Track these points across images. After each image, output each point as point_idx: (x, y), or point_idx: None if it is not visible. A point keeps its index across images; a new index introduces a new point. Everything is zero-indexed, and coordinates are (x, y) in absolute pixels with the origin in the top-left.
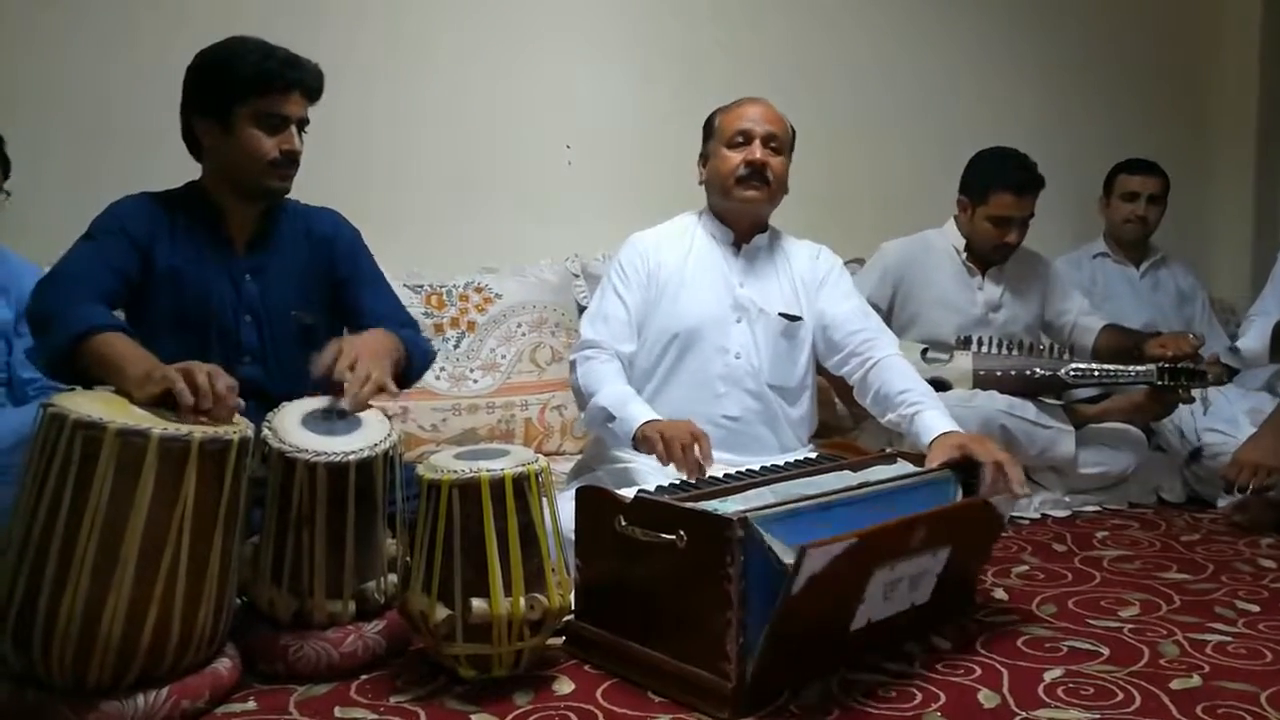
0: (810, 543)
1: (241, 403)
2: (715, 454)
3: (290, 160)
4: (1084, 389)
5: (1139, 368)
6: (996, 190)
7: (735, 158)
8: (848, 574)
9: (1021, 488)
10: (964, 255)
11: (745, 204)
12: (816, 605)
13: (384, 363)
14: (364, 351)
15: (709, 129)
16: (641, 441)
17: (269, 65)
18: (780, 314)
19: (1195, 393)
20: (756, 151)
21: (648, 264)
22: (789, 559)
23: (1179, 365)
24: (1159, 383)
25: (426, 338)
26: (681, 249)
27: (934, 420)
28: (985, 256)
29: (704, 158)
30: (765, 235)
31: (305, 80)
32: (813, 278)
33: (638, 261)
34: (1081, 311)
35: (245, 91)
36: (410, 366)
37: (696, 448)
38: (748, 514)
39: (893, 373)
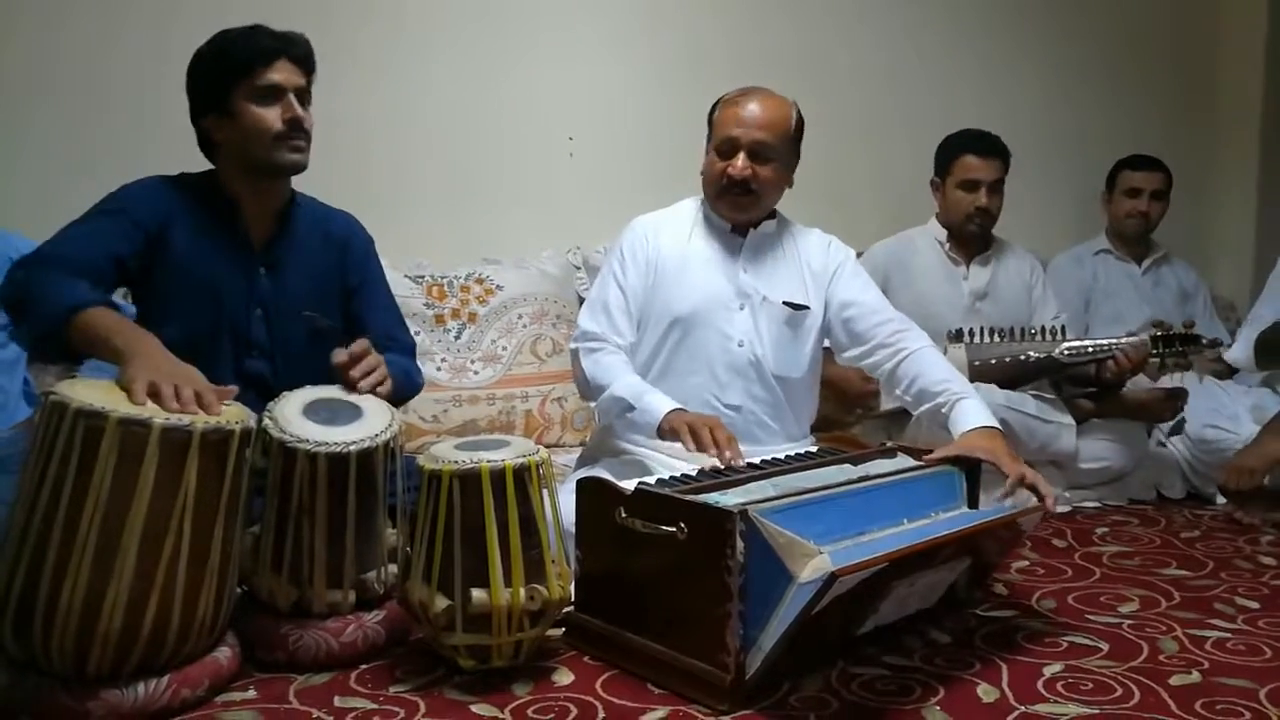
0: (840, 568)
1: (235, 389)
2: None
3: (296, 128)
4: (1079, 366)
5: (1133, 338)
6: (959, 156)
7: (719, 166)
8: (868, 590)
9: (1052, 508)
10: (947, 246)
11: (727, 215)
12: (829, 617)
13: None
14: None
15: (710, 118)
16: (668, 432)
17: (252, 40)
18: (785, 302)
19: (1192, 358)
20: (738, 164)
21: (648, 248)
22: (801, 562)
23: (1172, 332)
24: (1154, 351)
25: (419, 369)
26: (682, 233)
27: (972, 409)
28: (966, 235)
29: (706, 148)
30: (773, 222)
31: (290, 48)
32: (824, 268)
33: (638, 246)
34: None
35: (237, 73)
36: (394, 396)
37: (725, 436)
38: (748, 506)
39: (930, 365)
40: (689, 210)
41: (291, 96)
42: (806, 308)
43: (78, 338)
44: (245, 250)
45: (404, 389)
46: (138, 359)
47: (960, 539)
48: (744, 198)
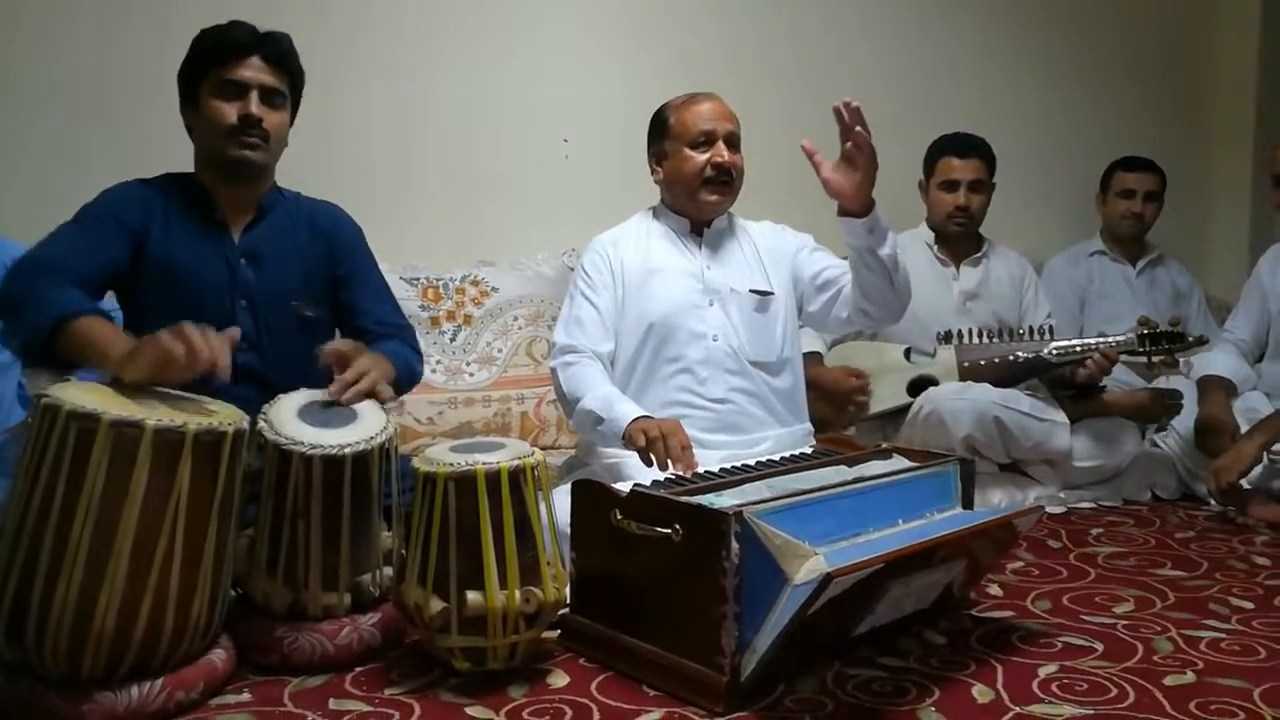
0: (836, 569)
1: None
2: (712, 437)
3: (249, 124)
4: (1068, 366)
5: (1119, 337)
6: (941, 156)
7: (700, 159)
8: (863, 589)
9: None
10: (935, 248)
11: (712, 205)
12: (825, 617)
13: (380, 373)
14: (365, 357)
15: (661, 127)
16: (628, 440)
17: (228, 34)
18: (751, 290)
19: (1180, 357)
20: (724, 153)
21: (609, 263)
22: (796, 566)
23: (1159, 330)
24: (1140, 349)
25: (419, 355)
26: (640, 243)
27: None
28: (949, 235)
29: (657, 156)
30: (724, 219)
31: (265, 46)
32: (781, 250)
33: (600, 263)
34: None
35: (206, 64)
36: (396, 385)
37: (679, 447)
38: (743, 508)
39: None
40: (641, 222)
41: (254, 94)
42: (771, 293)
43: (67, 346)
44: (224, 242)
45: (404, 380)
46: (145, 339)
47: (956, 540)
48: (728, 186)
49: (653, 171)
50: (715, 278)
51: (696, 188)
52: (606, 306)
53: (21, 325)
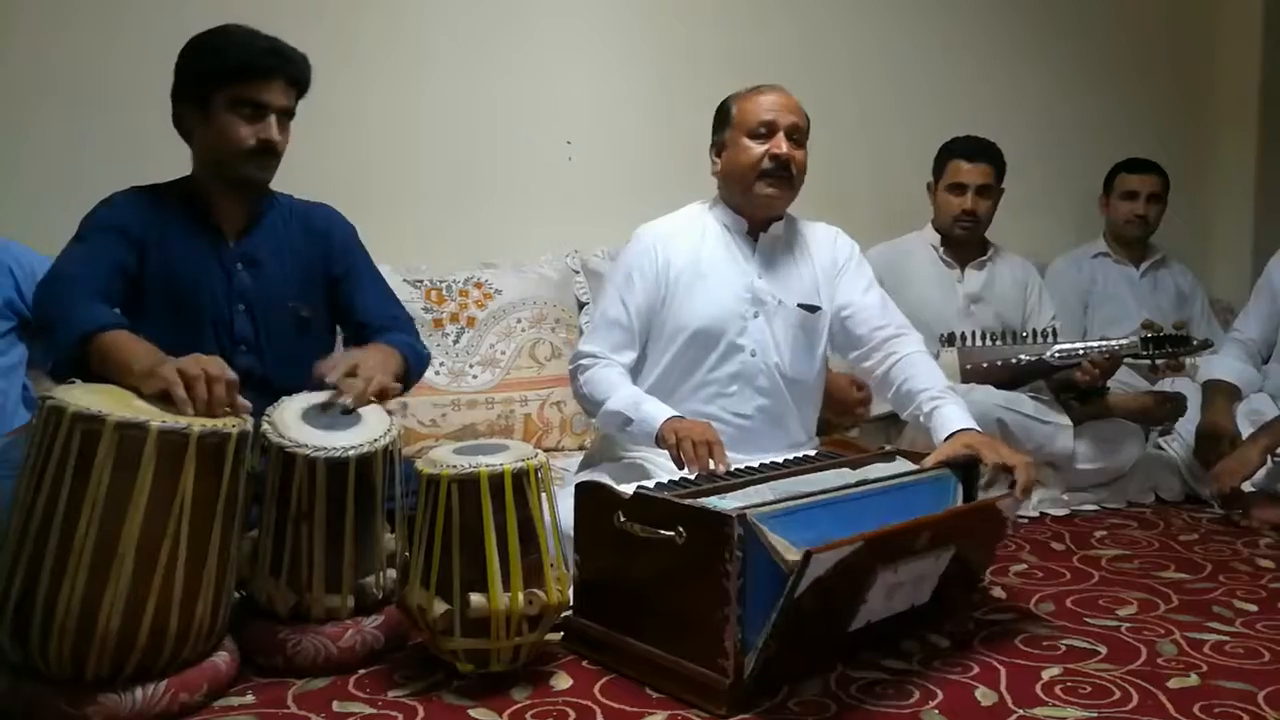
0: (816, 547)
1: (249, 405)
2: (729, 453)
3: (267, 150)
4: (1068, 369)
5: (1123, 340)
6: (951, 159)
7: (758, 149)
8: (851, 576)
9: (1025, 494)
10: (941, 250)
11: (767, 201)
12: (818, 606)
13: (385, 373)
14: (366, 359)
15: (724, 116)
16: (661, 441)
17: (250, 50)
18: (799, 305)
19: (1185, 360)
20: (783, 145)
21: (656, 261)
22: (793, 557)
23: (1163, 334)
24: (1144, 353)
25: (422, 342)
26: (693, 242)
27: (951, 415)
28: (955, 238)
29: (717, 146)
30: (782, 223)
31: (289, 69)
32: (832, 264)
33: (644, 260)
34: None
35: (225, 77)
36: (407, 375)
37: (710, 451)
38: (746, 510)
39: (917, 369)
40: (697, 217)
41: (273, 117)
42: (819, 308)
43: (96, 360)
44: (220, 247)
45: (413, 365)
46: (162, 368)
47: (936, 523)
48: (786, 181)
49: (712, 163)
50: (764, 288)
51: (752, 180)
52: (639, 308)
53: (54, 344)
